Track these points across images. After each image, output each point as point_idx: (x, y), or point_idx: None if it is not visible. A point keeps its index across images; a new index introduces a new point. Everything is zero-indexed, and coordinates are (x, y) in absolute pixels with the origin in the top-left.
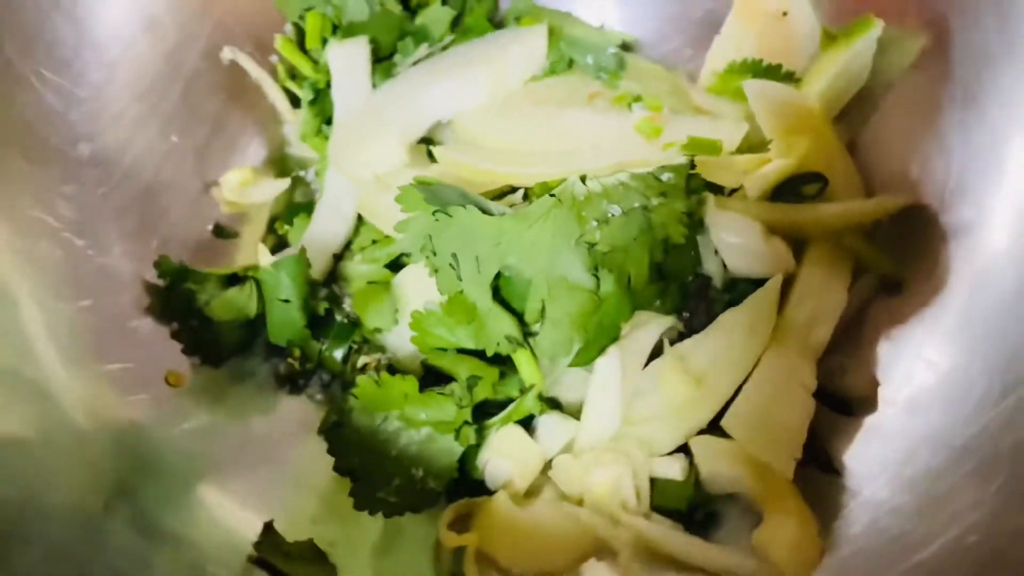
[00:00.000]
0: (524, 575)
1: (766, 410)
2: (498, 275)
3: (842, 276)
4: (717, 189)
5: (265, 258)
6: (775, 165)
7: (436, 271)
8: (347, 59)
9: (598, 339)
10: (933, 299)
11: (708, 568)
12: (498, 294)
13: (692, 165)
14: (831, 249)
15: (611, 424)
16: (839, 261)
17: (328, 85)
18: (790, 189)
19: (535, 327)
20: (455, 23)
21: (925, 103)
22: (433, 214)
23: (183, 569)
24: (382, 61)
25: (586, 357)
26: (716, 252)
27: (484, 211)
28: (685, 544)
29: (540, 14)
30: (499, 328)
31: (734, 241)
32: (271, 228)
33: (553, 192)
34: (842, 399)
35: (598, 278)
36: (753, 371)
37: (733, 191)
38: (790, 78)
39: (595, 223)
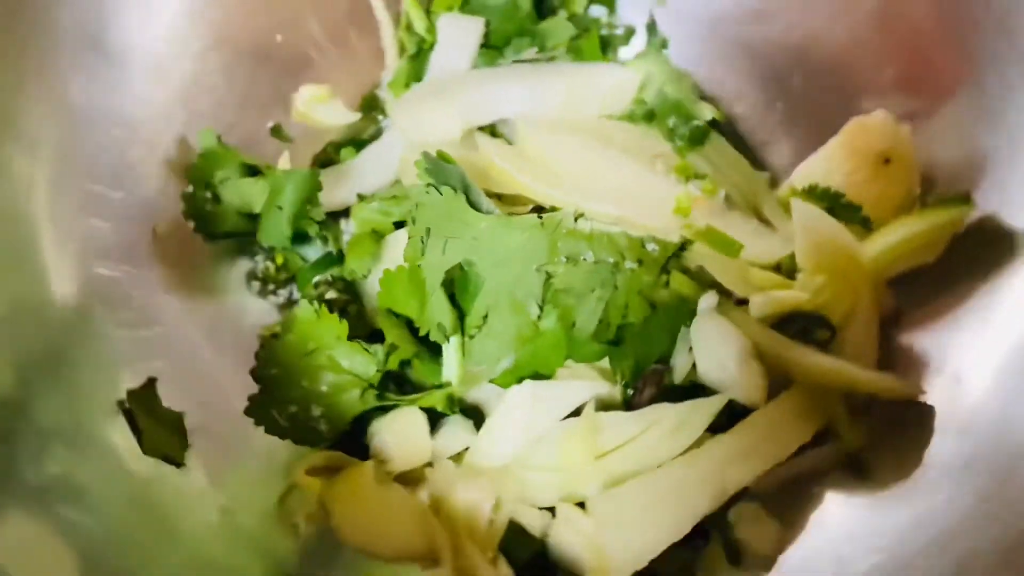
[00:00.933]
0: (344, 542)
1: (633, 511)
2: (460, 267)
3: (798, 432)
4: (727, 294)
5: (284, 163)
6: (789, 295)
7: (410, 238)
8: (457, 32)
9: (526, 367)
10: (896, 491)
11: None
12: (451, 284)
13: (682, 247)
14: (805, 400)
15: (502, 453)
16: (805, 416)
17: (432, 48)
18: (799, 326)
19: (473, 331)
20: (572, 40)
21: None
22: (426, 186)
23: None
24: (491, 48)
25: (508, 379)
26: (690, 350)
27: (474, 205)
28: None
29: (657, 59)
30: (437, 314)
31: (713, 348)
32: (325, 150)
33: (542, 215)
34: (734, 548)
35: (541, 310)
36: (653, 471)
37: (741, 302)
38: (864, 224)
39: (564, 259)
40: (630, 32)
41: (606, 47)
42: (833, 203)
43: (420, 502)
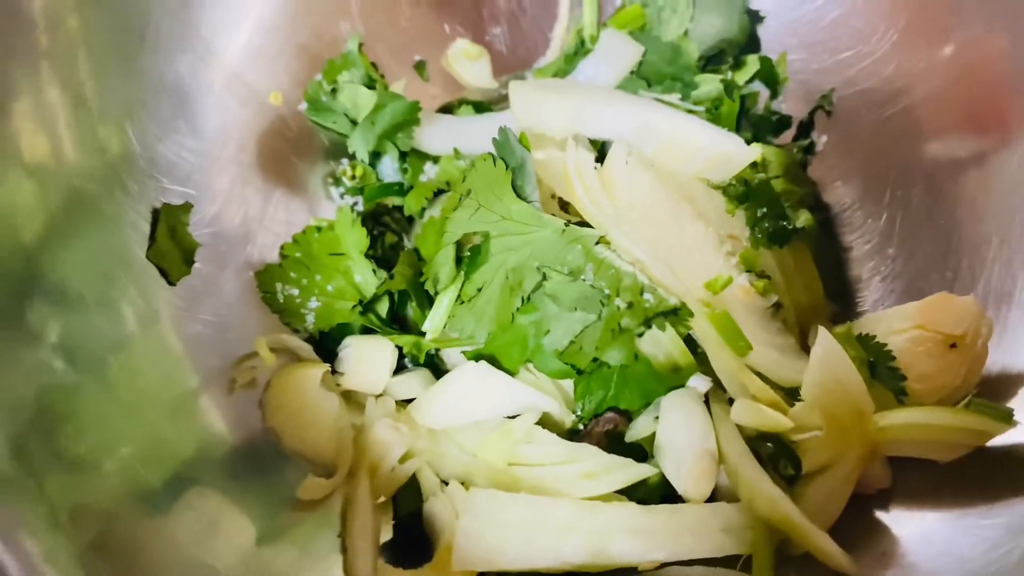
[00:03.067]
0: (265, 418)
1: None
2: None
3: (716, 543)
4: (722, 386)
5: (398, 88)
6: (775, 417)
7: (453, 191)
8: (615, 50)
9: (488, 351)
10: None
11: None
12: (462, 248)
13: (675, 312)
14: (741, 519)
15: (436, 416)
16: (732, 533)
17: (586, 55)
18: (770, 451)
19: (465, 299)
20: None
21: None
22: (487, 155)
23: None
24: (640, 78)
25: (472, 355)
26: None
27: (518, 189)
28: None
29: (785, 154)
30: (439, 266)
31: (678, 429)
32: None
33: (570, 224)
34: None
35: (523, 304)
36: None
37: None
38: (898, 394)
39: (565, 269)
40: (784, 121)
41: (755, 127)
42: (879, 359)
43: (347, 421)
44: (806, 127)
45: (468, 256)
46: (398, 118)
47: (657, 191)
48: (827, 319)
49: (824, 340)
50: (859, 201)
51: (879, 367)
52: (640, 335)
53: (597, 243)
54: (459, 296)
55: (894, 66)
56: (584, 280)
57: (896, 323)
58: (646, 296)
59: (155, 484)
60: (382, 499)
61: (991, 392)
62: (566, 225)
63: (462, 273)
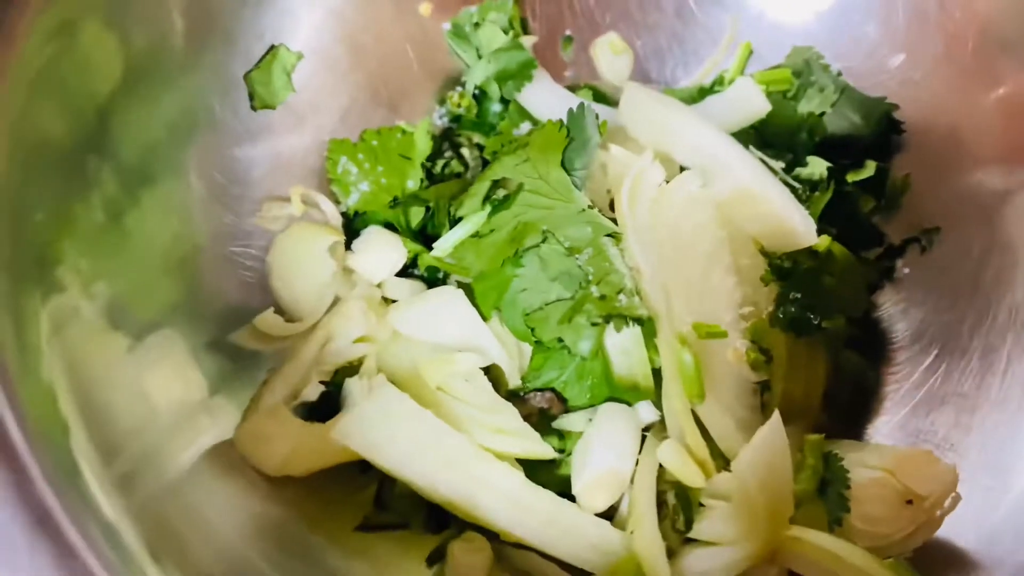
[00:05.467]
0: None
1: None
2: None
3: None
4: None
5: (527, 43)
6: (693, 472)
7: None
8: (745, 97)
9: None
10: None
11: None
12: (497, 188)
13: (639, 321)
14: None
15: (403, 322)
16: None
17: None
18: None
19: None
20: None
21: None
22: (558, 121)
23: None
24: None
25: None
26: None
27: (567, 160)
28: None
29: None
30: (471, 196)
31: (600, 441)
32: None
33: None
34: None
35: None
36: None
37: None
38: (835, 521)
39: (565, 241)
40: (874, 234)
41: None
42: (834, 481)
43: (334, 290)
44: (894, 251)
45: (499, 199)
46: (512, 66)
47: (703, 228)
48: (811, 426)
49: (773, 426)
50: (907, 343)
51: (830, 488)
52: (594, 324)
53: (609, 235)
54: (477, 232)
55: None
56: (576, 260)
57: (870, 458)
58: (621, 297)
59: (137, 320)
60: (326, 371)
61: (926, 563)
62: (591, 207)
63: (487, 210)
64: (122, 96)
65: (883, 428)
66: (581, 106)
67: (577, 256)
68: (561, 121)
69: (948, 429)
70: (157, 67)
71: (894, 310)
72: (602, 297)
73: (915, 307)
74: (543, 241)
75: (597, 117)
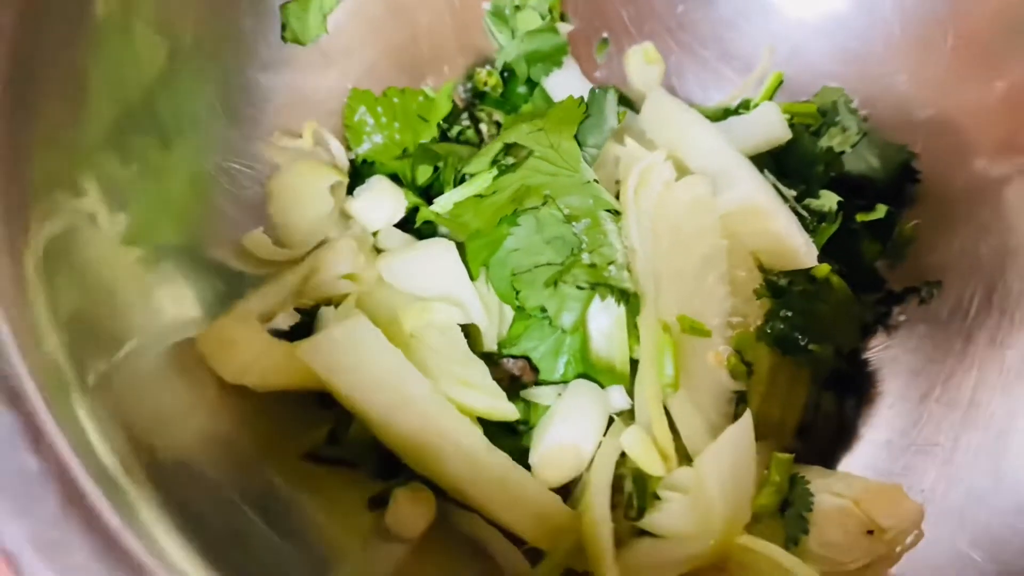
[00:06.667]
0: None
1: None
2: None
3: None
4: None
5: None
6: (654, 459)
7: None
8: (767, 122)
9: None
10: None
11: None
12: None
13: (626, 297)
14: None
15: (389, 269)
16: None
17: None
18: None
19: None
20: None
21: None
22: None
23: None
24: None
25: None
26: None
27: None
28: None
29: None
30: (480, 156)
31: (565, 417)
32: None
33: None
34: None
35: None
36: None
37: None
38: (791, 540)
39: (565, 208)
40: (875, 279)
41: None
42: (796, 502)
43: (328, 227)
44: (893, 298)
45: (507, 164)
46: (544, 48)
47: (704, 233)
48: (782, 448)
49: (742, 427)
50: (893, 388)
51: (791, 509)
52: (579, 289)
53: (609, 211)
54: (480, 193)
55: None
56: (574, 228)
57: (838, 485)
58: (611, 268)
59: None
60: (305, 303)
61: None
62: (595, 181)
63: (493, 172)
64: None
65: (854, 466)
66: (604, 89)
67: (575, 224)
68: (582, 98)
69: (920, 476)
70: None
71: (884, 354)
72: (592, 265)
73: (906, 354)
74: (543, 204)
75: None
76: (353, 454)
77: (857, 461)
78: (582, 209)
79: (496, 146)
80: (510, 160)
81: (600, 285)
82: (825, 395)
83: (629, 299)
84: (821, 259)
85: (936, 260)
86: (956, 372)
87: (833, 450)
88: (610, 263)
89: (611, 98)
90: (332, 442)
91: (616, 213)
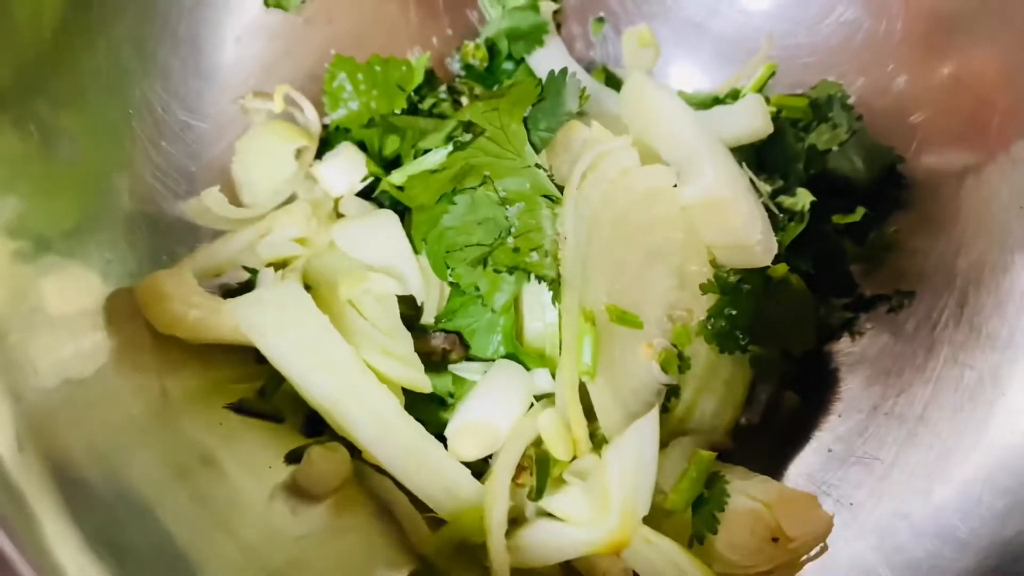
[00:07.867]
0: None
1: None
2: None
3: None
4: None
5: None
6: (563, 443)
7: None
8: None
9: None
10: None
11: None
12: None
13: (540, 275)
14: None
15: (339, 235)
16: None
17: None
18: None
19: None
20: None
21: None
22: (537, 79)
23: None
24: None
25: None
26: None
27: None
28: None
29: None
30: (436, 132)
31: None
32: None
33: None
34: None
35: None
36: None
37: None
38: (697, 538)
39: (503, 189)
40: (847, 283)
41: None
42: (710, 502)
43: (290, 188)
44: (863, 303)
45: (464, 140)
46: (524, 26)
47: (658, 224)
48: (712, 446)
49: (649, 422)
50: (846, 396)
51: (704, 508)
52: (497, 272)
53: (546, 196)
54: (435, 168)
55: None
56: (508, 211)
57: (754, 488)
58: (533, 254)
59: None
60: (255, 263)
61: None
62: (536, 167)
63: (448, 148)
64: None
65: (791, 471)
66: (564, 71)
67: (509, 207)
68: (540, 80)
69: (853, 488)
70: None
71: (845, 360)
72: (516, 249)
73: (866, 363)
74: (480, 184)
75: (584, 91)
76: (279, 409)
77: (795, 467)
78: (518, 193)
79: (451, 123)
80: (467, 137)
81: (519, 270)
82: (787, 395)
83: (549, 283)
84: (792, 258)
85: (913, 269)
86: (912, 385)
87: (776, 453)
88: (533, 248)
89: (572, 83)
90: (261, 396)
91: (556, 200)
